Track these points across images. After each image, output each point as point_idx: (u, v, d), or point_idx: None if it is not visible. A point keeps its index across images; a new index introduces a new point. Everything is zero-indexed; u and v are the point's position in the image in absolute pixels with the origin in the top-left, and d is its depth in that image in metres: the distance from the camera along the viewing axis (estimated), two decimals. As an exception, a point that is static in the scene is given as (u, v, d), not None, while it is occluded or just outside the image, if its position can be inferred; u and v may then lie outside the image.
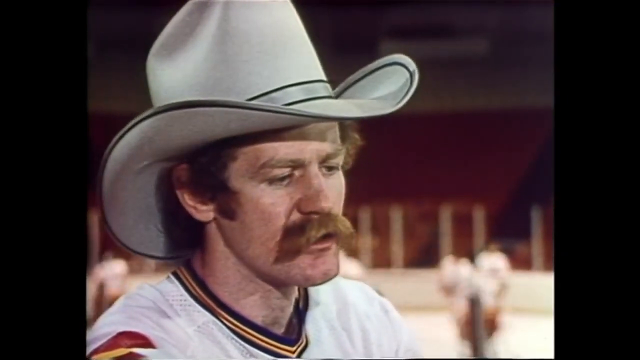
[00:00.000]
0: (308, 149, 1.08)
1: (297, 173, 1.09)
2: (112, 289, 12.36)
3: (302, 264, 1.10)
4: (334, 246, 1.11)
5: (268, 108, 1.04)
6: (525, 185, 21.09)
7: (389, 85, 1.15)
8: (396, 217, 20.68)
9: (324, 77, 1.13)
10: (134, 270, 13.22)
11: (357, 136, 1.16)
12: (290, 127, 1.07)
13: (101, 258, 13.21)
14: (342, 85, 1.18)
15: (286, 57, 1.09)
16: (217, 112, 1.04)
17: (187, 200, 1.12)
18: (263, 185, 1.08)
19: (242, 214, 1.10)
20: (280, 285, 1.13)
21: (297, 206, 1.09)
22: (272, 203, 1.08)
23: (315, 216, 1.08)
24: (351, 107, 1.12)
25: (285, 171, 1.08)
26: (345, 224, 1.11)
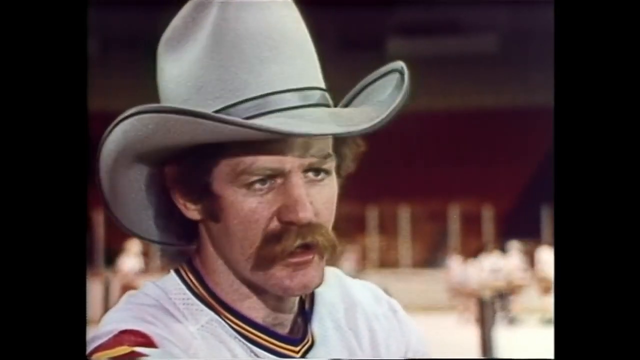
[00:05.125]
0: (288, 159, 1.07)
1: (279, 181, 1.08)
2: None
3: (280, 275, 1.09)
4: (315, 258, 1.09)
5: (231, 121, 1.03)
6: (534, 184, 21.04)
7: (384, 93, 1.13)
8: (404, 216, 20.66)
9: (321, 84, 1.11)
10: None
11: (359, 142, 1.15)
12: (271, 137, 1.05)
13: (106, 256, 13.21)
14: (350, 93, 1.17)
15: (278, 62, 1.08)
16: (181, 120, 1.04)
17: (178, 198, 1.13)
18: (243, 191, 1.08)
19: (225, 217, 1.09)
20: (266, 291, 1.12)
21: (277, 214, 1.08)
22: (252, 209, 1.08)
23: (294, 226, 1.07)
24: (329, 119, 1.09)
25: (265, 178, 1.08)
26: (326, 235, 1.09)
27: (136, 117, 1.06)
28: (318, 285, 1.11)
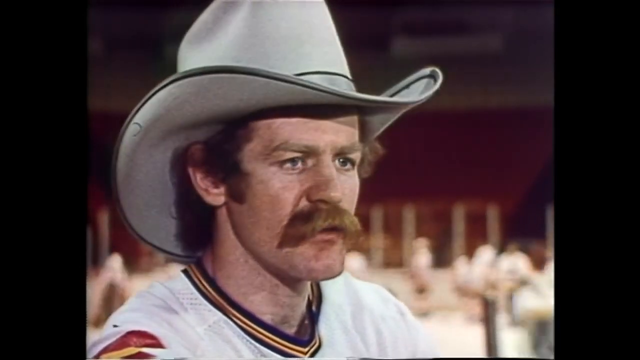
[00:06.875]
0: (323, 138, 1.09)
1: (310, 162, 1.09)
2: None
3: (306, 255, 1.09)
4: (339, 241, 1.10)
5: (277, 76, 1.05)
6: (540, 184, 21.00)
7: (415, 93, 1.16)
8: (409, 216, 20.65)
9: (347, 74, 1.13)
10: (142, 269, 13.19)
11: (378, 145, 1.17)
12: (307, 114, 1.08)
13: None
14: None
15: (313, 46, 1.10)
16: (227, 78, 1.05)
17: (199, 182, 1.12)
18: (274, 169, 1.09)
19: (252, 196, 1.10)
20: (286, 277, 1.13)
21: (307, 194, 1.09)
22: (282, 187, 1.09)
23: (324, 206, 1.08)
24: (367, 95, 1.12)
25: (298, 156, 1.09)
26: (352, 221, 1.11)
27: (177, 83, 1.06)
28: (340, 272, 1.11)
